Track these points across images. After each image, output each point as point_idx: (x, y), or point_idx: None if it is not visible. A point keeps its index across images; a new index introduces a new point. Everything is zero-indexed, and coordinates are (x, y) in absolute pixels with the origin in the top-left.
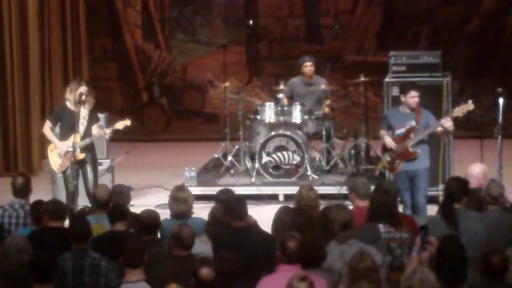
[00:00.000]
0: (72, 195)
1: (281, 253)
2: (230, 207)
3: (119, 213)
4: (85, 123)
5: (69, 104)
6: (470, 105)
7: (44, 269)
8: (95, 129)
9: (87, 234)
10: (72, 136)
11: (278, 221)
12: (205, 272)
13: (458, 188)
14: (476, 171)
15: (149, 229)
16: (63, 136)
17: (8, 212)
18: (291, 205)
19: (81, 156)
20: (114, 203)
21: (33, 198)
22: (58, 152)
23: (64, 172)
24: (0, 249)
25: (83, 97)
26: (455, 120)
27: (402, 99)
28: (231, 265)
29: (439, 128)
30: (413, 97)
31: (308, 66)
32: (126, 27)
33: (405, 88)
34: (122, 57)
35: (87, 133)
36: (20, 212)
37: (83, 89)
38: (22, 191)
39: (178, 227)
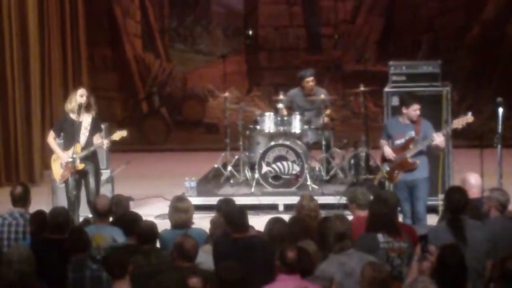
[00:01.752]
0: (73, 206)
1: (280, 263)
2: (231, 219)
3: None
4: (87, 133)
5: (72, 114)
6: (469, 117)
7: (56, 276)
8: (96, 139)
9: (85, 245)
10: (75, 146)
11: (270, 233)
12: (194, 282)
13: (462, 199)
14: (478, 181)
15: (147, 239)
16: (65, 146)
17: (7, 221)
18: (291, 215)
19: (80, 166)
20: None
21: (34, 208)
22: (60, 162)
23: (65, 182)
24: (2, 259)
25: (85, 97)
26: (454, 131)
27: (404, 111)
28: (234, 274)
29: (433, 142)
30: (415, 110)
31: (310, 82)
32: (126, 37)
33: (408, 101)
34: (122, 67)
35: (89, 143)
36: (20, 221)
37: (81, 91)
38: (20, 200)
39: (181, 238)
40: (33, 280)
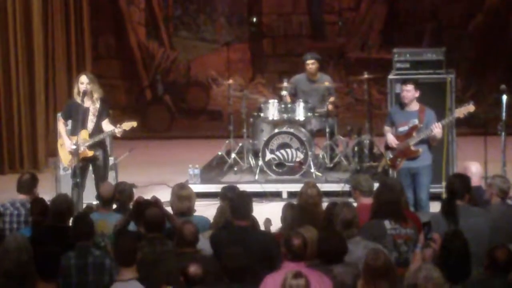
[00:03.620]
0: (77, 191)
1: (286, 250)
2: (234, 205)
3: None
4: (94, 119)
5: (78, 100)
6: (471, 107)
7: (48, 265)
8: (106, 125)
9: (89, 232)
10: (80, 132)
11: (291, 218)
12: (193, 269)
13: (461, 185)
14: (476, 169)
15: (154, 227)
16: (73, 132)
17: (9, 210)
18: (295, 202)
19: (90, 153)
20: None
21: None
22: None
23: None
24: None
25: (85, 85)
26: (457, 119)
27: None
28: (239, 261)
29: (432, 133)
30: (403, 91)
31: (310, 64)
32: (129, 25)
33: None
34: (126, 55)
35: (97, 129)
36: (22, 211)
37: (81, 78)
38: (25, 187)
39: (181, 224)
40: (31, 269)
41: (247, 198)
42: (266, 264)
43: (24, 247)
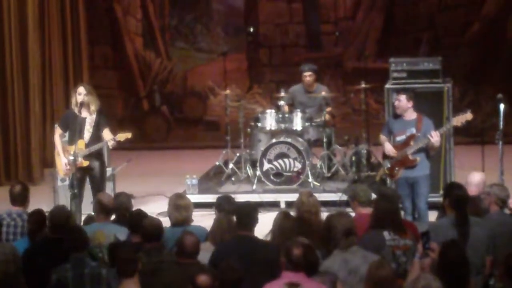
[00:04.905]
0: (75, 202)
1: (286, 260)
2: (238, 215)
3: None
4: (91, 130)
5: (76, 110)
6: (468, 115)
7: (37, 277)
8: (107, 134)
9: (84, 243)
10: (77, 142)
11: (280, 227)
12: (203, 279)
13: (464, 195)
14: (477, 179)
15: (152, 237)
16: (70, 142)
17: (6, 221)
18: (291, 211)
19: (85, 163)
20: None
21: (34, 206)
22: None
23: (69, 178)
24: None
25: (82, 96)
26: (454, 128)
27: None
28: (235, 273)
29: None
30: (394, 100)
31: (307, 77)
32: (126, 35)
33: None
34: (123, 65)
35: (94, 140)
36: (18, 221)
37: (79, 89)
38: (19, 199)
39: (182, 234)
40: (19, 280)
41: (253, 211)
42: (268, 273)
43: (11, 259)
